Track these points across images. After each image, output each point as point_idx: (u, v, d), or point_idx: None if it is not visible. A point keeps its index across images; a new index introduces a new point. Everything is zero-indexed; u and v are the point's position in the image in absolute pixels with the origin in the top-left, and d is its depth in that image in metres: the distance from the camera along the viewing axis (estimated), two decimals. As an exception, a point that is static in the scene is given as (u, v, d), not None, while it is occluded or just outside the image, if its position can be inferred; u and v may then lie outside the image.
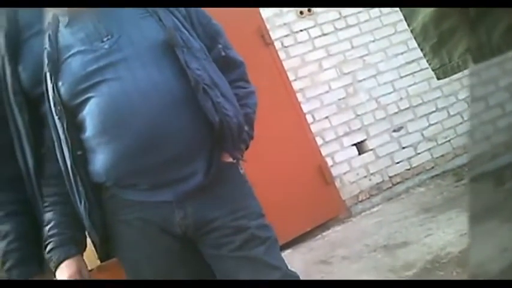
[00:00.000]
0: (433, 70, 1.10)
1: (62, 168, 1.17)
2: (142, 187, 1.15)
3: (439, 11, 0.97)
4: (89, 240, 3.10)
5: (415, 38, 1.08)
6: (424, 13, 1.01)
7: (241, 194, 1.22)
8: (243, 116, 1.22)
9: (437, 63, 1.08)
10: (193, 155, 1.14)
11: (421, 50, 1.09)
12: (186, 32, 1.18)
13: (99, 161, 1.14)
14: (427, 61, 1.10)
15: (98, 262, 3.05)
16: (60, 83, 1.14)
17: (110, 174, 1.14)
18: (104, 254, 1.25)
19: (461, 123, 3.96)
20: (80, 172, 1.14)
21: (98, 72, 1.12)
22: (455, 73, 1.08)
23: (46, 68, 1.15)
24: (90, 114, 1.13)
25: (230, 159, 1.20)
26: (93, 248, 3.14)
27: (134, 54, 1.13)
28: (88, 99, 1.12)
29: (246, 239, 1.16)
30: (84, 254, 3.04)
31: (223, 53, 1.26)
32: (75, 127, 1.15)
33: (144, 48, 1.14)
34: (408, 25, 1.08)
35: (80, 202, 1.16)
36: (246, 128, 1.23)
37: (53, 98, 1.14)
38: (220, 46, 1.26)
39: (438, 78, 1.12)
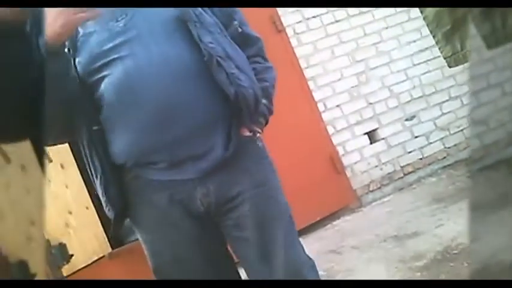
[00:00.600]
0: (444, 58, 1.08)
1: (80, 142, 1.19)
2: (162, 165, 1.15)
3: None
4: (100, 228, 3.13)
5: (427, 25, 1.06)
6: None
7: (262, 168, 1.23)
8: (260, 89, 1.21)
9: (449, 51, 1.06)
10: (210, 128, 1.14)
11: (434, 37, 1.07)
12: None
13: (118, 140, 1.15)
14: (439, 48, 1.08)
15: (110, 249, 3.10)
16: (77, 60, 1.15)
17: (129, 152, 1.14)
18: (117, 231, 1.25)
19: (474, 112, 3.91)
20: (96, 147, 1.15)
21: (113, 50, 1.13)
22: (467, 62, 1.06)
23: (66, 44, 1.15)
24: (105, 94, 1.13)
25: (248, 133, 1.20)
26: (105, 235, 3.17)
27: (148, 30, 1.14)
28: (103, 77, 1.13)
29: (269, 216, 1.19)
30: (96, 241, 3.06)
31: (239, 29, 1.26)
32: (91, 103, 1.15)
33: (157, 23, 1.15)
34: (421, 12, 1.06)
35: (96, 177, 1.17)
36: (264, 101, 1.23)
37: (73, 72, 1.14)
38: (236, 23, 1.26)
39: (450, 66, 1.10)
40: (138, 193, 1.19)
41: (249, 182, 1.19)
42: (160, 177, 1.16)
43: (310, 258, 1.27)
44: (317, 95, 3.62)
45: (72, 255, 2.63)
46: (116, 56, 1.12)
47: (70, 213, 2.72)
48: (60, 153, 2.74)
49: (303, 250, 1.27)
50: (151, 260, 1.24)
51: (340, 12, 3.76)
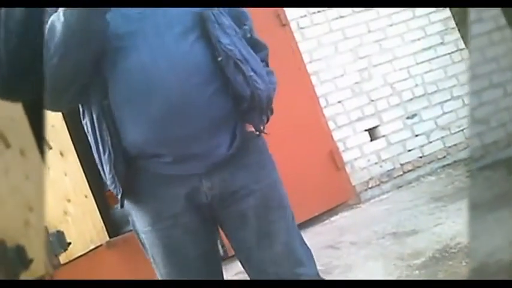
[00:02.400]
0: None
1: (88, 118, 1.18)
2: (167, 159, 1.15)
3: None
4: (98, 217, 3.13)
5: (453, 16, 1.04)
6: None
7: (263, 164, 1.27)
8: (272, 91, 1.26)
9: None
10: (217, 128, 1.17)
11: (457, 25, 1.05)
12: (215, 8, 1.19)
13: (125, 129, 1.14)
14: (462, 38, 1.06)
15: (107, 238, 3.10)
16: None
17: (135, 143, 1.14)
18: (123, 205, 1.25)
19: (476, 112, 3.91)
20: (107, 121, 1.14)
21: (127, 36, 1.12)
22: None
23: None
24: (116, 79, 1.13)
25: (255, 131, 1.25)
26: (103, 224, 3.17)
27: (165, 22, 1.14)
28: (116, 62, 1.12)
29: (270, 208, 1.22)
30: (94, 229, 3.07)
31: (248, 35, 1.27)
32: (103, 79, 1.14)
33: (175, 17, 1.15)
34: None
35: (104, 152, 1.16)
36: None
37: None
38: (246, 27, 1.27)
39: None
40: (141, 185, 1.19)
41: (251, 177, 1.22)
42: (165, 171, 1.17)
43: (309, 248, 1.30)
44: (319, 90, 3.61)
45: (70, 243, 2.63)
46: (130, 42, 1.12)
47: (69, 201, 2.72)
48: (60, 141, 2.74)
49: (303, 240, 1.30)
50: (149, 252, 1.25)
51: (345, 8, 3.75)
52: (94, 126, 1.16)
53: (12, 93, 1.14)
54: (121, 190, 1.18)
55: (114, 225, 3.31)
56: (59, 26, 1.07)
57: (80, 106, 1.21)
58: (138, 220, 1.24)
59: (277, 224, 1.23)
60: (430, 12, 3.93)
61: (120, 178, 1.16)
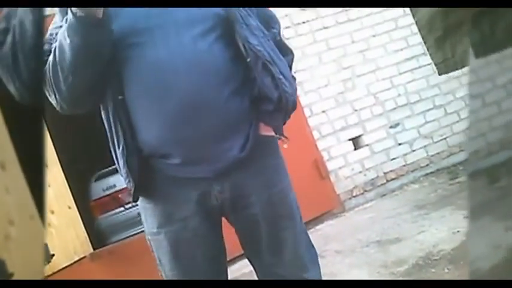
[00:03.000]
0: (435, 64, 1.08)
1: (104, 112, 1.18)
2: (175, 161, 1.14)
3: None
4: (82, 229, 3.09)
5: (419, 30, 1.06)
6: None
7: (274, 170, 1.26)
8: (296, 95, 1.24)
9: (440, 57, 1.06)
10: (232, 130, 1.15)
11: (425, 42, 1.07)
12: (243, 10, 1.17)
13: (139, 126, 1.14)
14: (430, 55, 1.08)
15: (91, 250, 3.07)
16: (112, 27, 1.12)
17: (148, 140, 1.14)
18: (137, 199, 1.24)
19: (457, 121, 3.97)
20: (120, 117, 1.14)
21: (145, 32, 1.11)
22: (457, 69, 1.06)
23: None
24: (131, 75, 1.12)
25: (272, 133, 1.23)
26: (86, 236, 3.14)
27: (185, 20, 1.12)
28: (132, 58, 1.12)
29: (280, 216, 1.22)
30: (78, 241, 3.02)
31: (278, 37, 1.27)
32: (118, 74, 1.14)
33: (196, 16, 1.13)
34: (413, 16, 1.06)
35: (119, 147, 1.15)
36: None
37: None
38: (275, 31, 1.26)
39: (440, 73, 1.10)
40: (154, 185, 1.19)
41: (263, 182, 1.21)
42: (174, 173, 1.16)
43: (315, 251, 1.32)
44: (304, 100, 3.64)
45: (53, 255, 2.60)
46: (148, 39, 1.10)
47: (52, 212, 2.69)
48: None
49: (310, 243, 1.31)
50: (155, 253, 1.24)
51: (329, 19, 3.80)
52: (110, 120, 1.16)
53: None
54: (134, 185, 1.17)
55: (98, 237, 3.29)
56: (66, 47, 1.07)
57: None
58: (147, 221, 1.23)
59: (286, 231, 1.23)
60: (412, 23, 3.97)
61: (134, 173, 1.15)
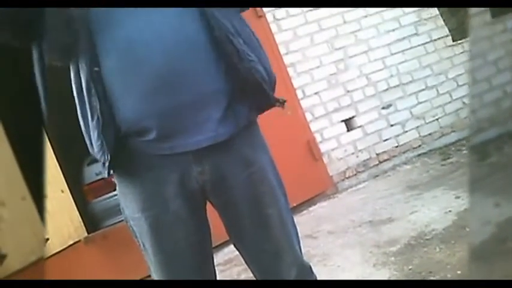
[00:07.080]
0: (450, 31, 1.07)
1: (75, 85, 1.15)
2: (150, 136, 1.13)
3: None
4: (76, 213, 3.09)
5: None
6: None
7: (254, 151, 1.25)
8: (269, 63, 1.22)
9: (455, 23, 1.06)
10: (207, 103, 1.13)
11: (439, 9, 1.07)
12: None
13: (115, 101, 1.12)
14: (444, 21, 1.07)
15: (85, 234, 3.07)
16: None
17: (125, 115, 1.12)
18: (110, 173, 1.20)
19: (449, 102, 3.99)
20: (96, 86, 1.11)
21: (116, 10, 1.10)
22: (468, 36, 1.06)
23: None
24: (105, 48, 1.11)
25: (254, 113, 1.22)
26: (80, 220, 3.13)
27: None
28: (104, 29, 1.10)
29: (263, 192, 1.21)
30: (72, 225, 3.01)
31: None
32: (92, 44, 1.11)
33: None
34: None
35: (93, 118, 1.12)
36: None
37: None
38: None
39: (454, 40, 1.10)
40: (131, 168, 1.17)
41: (241, 162, 1.20)
42: (151, 151, 1.14)
43: (296, 228, 1.31)
44: (296, 82, 3.63)
45: (47, 239, 2.60)
46: (120, 12, 1.10)
47: (45, 196, 2.68)
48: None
49: (293, 221, 1.30)
50: (139, 239, 1.23)
51: (320, -1, 3.77)
52: (82, 92, 1.13)
53: None
54: (109, 157, 1.13)
55: (92, 221, 3.29)
56: None
57: (71, 71, 1.17)
58: (128, 206, 1.21)
59: (271, 208, 1.23)
60: (404, 3, 3.98)
61: (109, 144, 1.12)
